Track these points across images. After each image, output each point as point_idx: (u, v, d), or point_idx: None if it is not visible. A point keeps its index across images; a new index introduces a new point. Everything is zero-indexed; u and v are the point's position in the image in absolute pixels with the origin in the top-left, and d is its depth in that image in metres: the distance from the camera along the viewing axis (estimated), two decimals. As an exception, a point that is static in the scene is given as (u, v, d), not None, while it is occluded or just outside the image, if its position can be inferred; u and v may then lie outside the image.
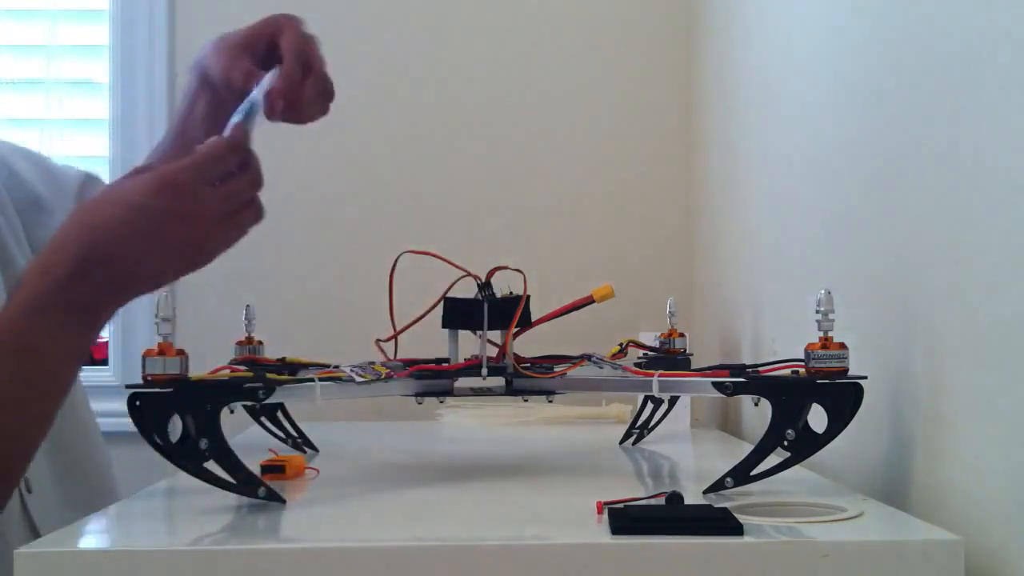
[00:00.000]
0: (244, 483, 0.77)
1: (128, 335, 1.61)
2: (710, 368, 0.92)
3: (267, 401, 0.81)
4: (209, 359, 0.92)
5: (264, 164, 1.57)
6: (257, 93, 0.90)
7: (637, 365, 1.07)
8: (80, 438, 1.02)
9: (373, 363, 0.95)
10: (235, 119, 0.87)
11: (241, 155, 0.84)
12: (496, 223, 1.60)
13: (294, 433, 1.11)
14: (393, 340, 0.99)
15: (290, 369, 1.07)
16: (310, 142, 1.59)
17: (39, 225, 1.06)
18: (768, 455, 0.79)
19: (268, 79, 0.91)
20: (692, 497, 0.76)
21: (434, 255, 0.95)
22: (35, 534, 0.91)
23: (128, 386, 0.76)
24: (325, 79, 0.95)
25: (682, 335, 1.12)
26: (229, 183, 0.83)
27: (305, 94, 0.93)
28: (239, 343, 1.11)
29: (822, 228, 1.01)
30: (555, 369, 0.97)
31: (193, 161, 0.82)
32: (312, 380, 0.84)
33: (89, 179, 1.13)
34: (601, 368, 0.99)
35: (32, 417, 0.82)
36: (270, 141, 1.69)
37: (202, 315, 1.45)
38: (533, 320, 0.97)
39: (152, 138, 1.59)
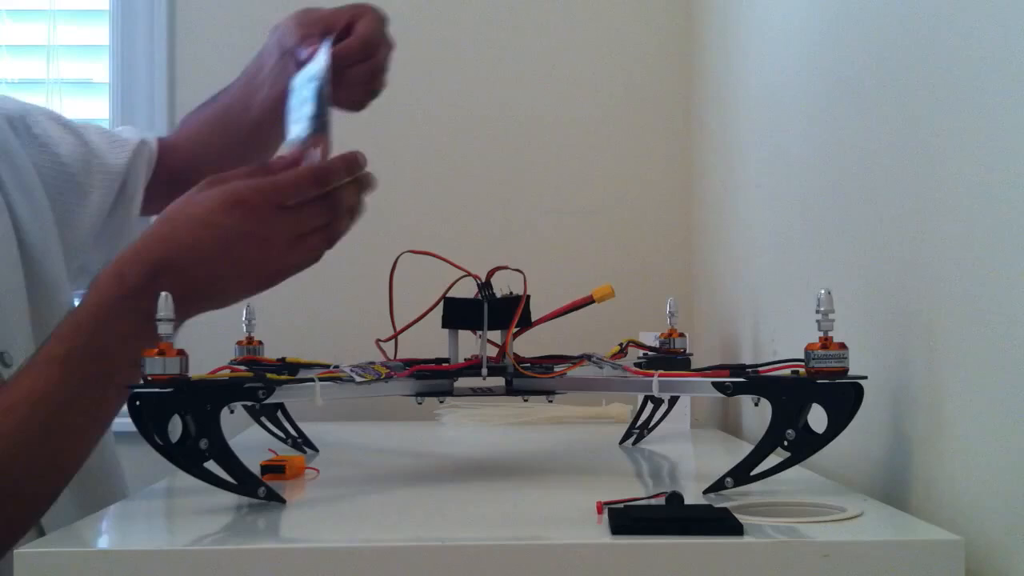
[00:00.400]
0: (244, 483, 0.77)
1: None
2: (710, 368, 0.92)
3: (267, 401, 0.81)
4: (209, 359, 0.92)
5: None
6: (318, 67, 0.90)
7: (637, 365, 1.07)
8: None
9: (373, 363, 0.95)
10: (304, 99, 0.88)
11: (320, 188, 0.84)
12: (496, 223, 1.60)
13: (294, 433, 1.11)
14: (393, 340, 0.99)
15: (290, 369, 1.07)
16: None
17: (76, 207, 1.08)
18: (768, 455, 0.79)
19: (324, 51, 0.91)
20: (692, 497, 0.76)
21: (434, 255, 0.95)
22: (42, 534, 0.91)
23: (128, 386, 0.76)
24: (378, 73, 0.97)
25: (682, 335, 1.12)
26: (303, 209, 0.83)
27: (352, 74, 0.94)
28: (239, 343, 1.11)
29: (822, 228, 1.01)
30: (555, 369, 0.97)
31: (270, 184, 0.83)
32: (312, 380, 0.84)
33: (141, 145, 1.14)
34: (601, 368, 0.99)
35: (95, 420, 0.84)
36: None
37: (202, 315, 1.45)
38: (533, 320, 0.97)
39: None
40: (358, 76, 0.96)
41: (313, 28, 0.98)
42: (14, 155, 1.04)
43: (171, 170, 1.17)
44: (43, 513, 0.84)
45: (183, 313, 0.83)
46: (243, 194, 0.82)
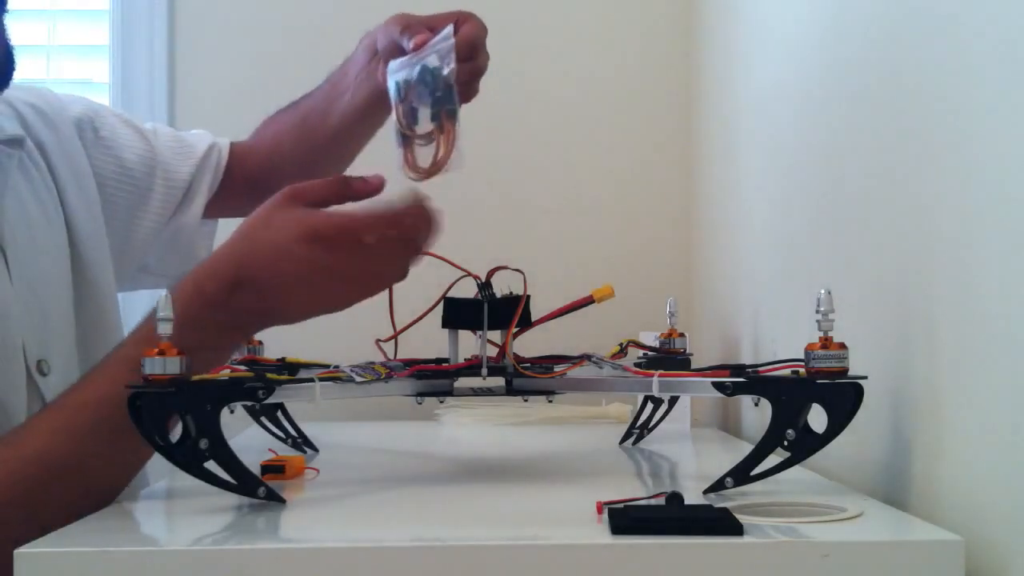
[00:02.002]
0: (244, 483, 0.77)
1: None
2: (710, 368, 0.92)
3: (267, 401, 0.81)
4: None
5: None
6: (439, 52, 0.90)
7: (637, 365, 1.07)
8: None
9: (373, 363, 0.95)
10: (426, 86, 0.90)
11: (396, 229, 0.85)
12: (496, 223, 1.60)
13: (294, 433, 1.11)
14: (393, 340, 0.99)
15: (290, 369, 1.07)
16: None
17: (137, 211, 1.11)
18: (768, 455, 0.79)
19: (446, 36, 0.91)
20: (692, 497, 0.76)
21: (434, 255, 0.95)
22: None
23: (128, 386, 0.76)
24: (476, 77, 0.98)
25: (682, 335, 1.12)
26: (381, 247, 0.84)
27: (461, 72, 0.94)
28: (239, 343, 1.11)
29: (822, 228, 1.01)
30: (555, 369, 0.97)
31: (349, 222, 0.84)
32: (312, 380, 0.84)
33: (210, 151, 1.17)
34: (601, 368, 0.99)
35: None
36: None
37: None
38: (533, 320, 0.97)
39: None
40: (462, 72, 0.95)
41: (417, 25, 0.98)
42: (77, 160, 1.06)
43: (248, 174, 1.19)
44: (115, 498, 0.85)
45: (252, 328, 0.89)
46: (323, 231, 0.83)
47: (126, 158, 1.11)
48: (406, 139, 0.94)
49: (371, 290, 0.87)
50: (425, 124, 0.92)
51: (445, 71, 0.91)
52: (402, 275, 0.87)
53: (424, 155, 0.93)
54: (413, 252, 0.86)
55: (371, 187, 0.89)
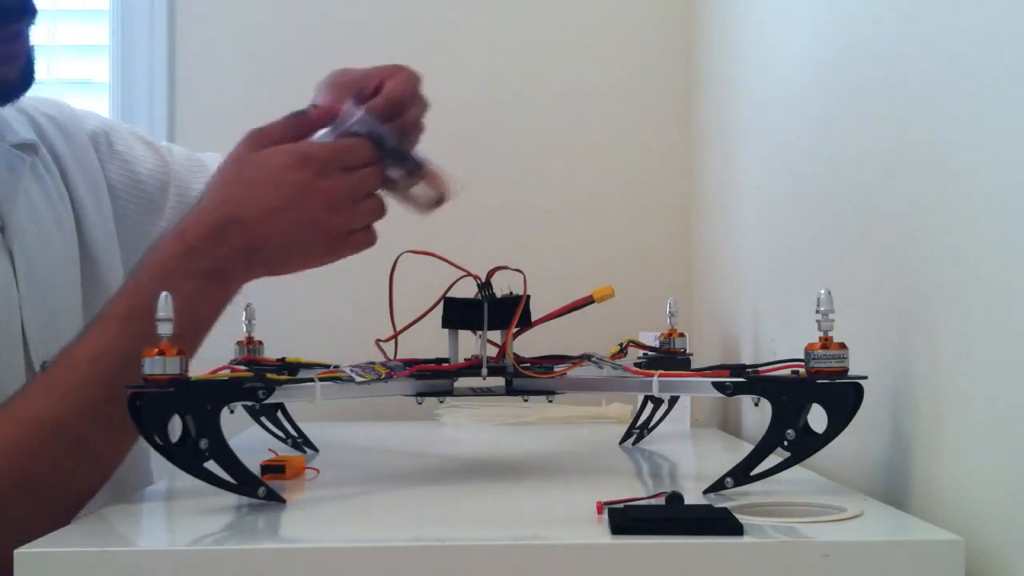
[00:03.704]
0: (244, 483, 0.77)
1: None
2: (710, 368, 0.92)
3: (267, 401, 0.81)
4: (209, 359, 0.92)
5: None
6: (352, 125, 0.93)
7: (637, 365, 1.07)
8: None
9: (373, 363, 0.95)
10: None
11: (370, 154, 0.90)
12: (496, 223, 1.60)
13: (294, 433, 1.11)
14: (393, 340, 0.99)
15: (290, 369, 1.07)
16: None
17: (149, 225, 1.12)
18: (768, 455, 0.79)
19: (352, 109, 0.94)
20: (692, 497, 0.76)
21: (434, 255, 0.95)
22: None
23: (128, 386, 0.76)
24: (408, 132, 0.98)
25: (682, 335, 1.12)
26: (358, 171, 0.88)
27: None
28: (239, 343, 1.11)
29: (822, 228, 1.01)
30: (555, 369, 0.97)
31: (336, 146, 0.88)
32: (312, 380, 0.84)
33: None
34: (601, 368, 0.99)
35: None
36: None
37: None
38: (533, 320, 0.97)
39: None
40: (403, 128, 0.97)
41: (343, 90, 0.99)
42: (91, 170, 1.07)
43: None
44: (112, 471, 0.85)
45: (247, 271, 0.87)
46: (313, 151, 0.87)
47: (140, 172, 1.12)
48: (392, 189, 0.96)
49: (355, 217, 0.89)
50: (395, 173, 0.95)
51: (382, 140, 0.93)
52: (381, 208, 0.90)
53: (419, 190, 0.97)
54: (388, 183, 0.90)
55: (324, 113, 0.91)
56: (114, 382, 0.76)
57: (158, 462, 0.83)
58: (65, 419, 0.81)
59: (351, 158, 0.88)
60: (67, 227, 1.02)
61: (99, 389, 0.82)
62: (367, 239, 0.93)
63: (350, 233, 0.91)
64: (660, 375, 0.87)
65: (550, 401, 0.98)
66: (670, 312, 1.12)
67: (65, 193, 1.03)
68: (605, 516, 0.70)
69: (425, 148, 1.60)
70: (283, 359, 1.09)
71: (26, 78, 0.90)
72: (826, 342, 0.78)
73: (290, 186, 0.85)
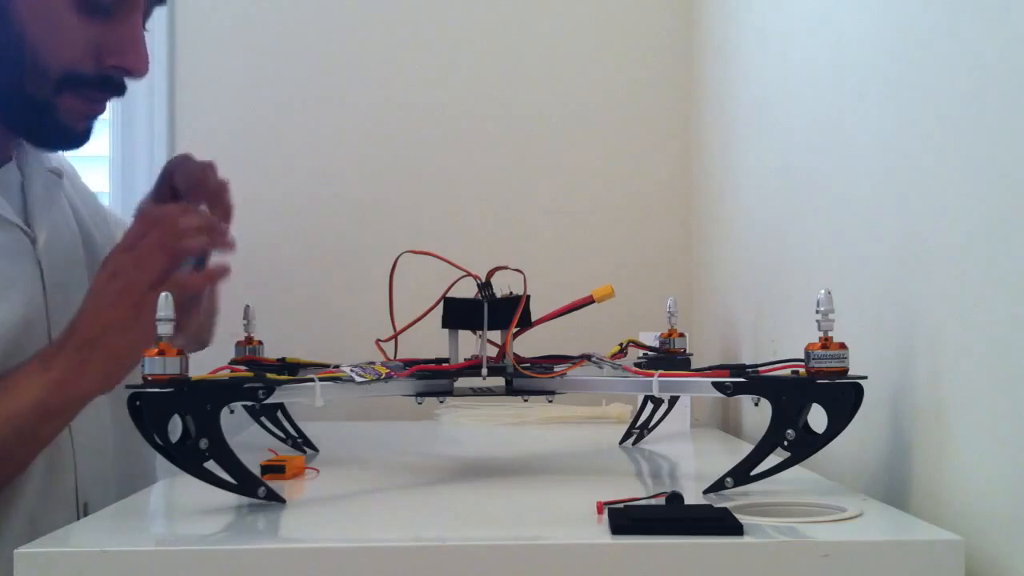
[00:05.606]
0: (244, 483, 0.77)
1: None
2: (710, 368, 0.92)
3: (267, 401, 0.81)
4: (209, 359, 0.92)
5: (264, 164, 1.57)
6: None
7: (637, 365, 1.07)
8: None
9: (373, 363, 0.95)
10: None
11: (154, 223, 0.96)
12: (496, 223, 1.60)
13: (294, 433, 1.11)
14: (393, 340, 0.99)
15: (290, 369, 1.07)
16: (311, 141, 1.59)
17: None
18: (768, 455, 0.79)
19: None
20: (692, 497, 0.76)
21: (434, 255, 0.95)
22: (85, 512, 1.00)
23: (128, 386, 0.76)
24: (219, 196, 1.04)
25: (682, 335, 1.12)
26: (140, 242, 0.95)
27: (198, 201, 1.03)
28: (239, 343, 1.11)
29: (822, 228, 1.01)
30: (555, 369, 0.97)
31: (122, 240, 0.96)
32: (312, 380, 0.84)
33: None
34: (601, 368, 0.99)
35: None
36: (268, 143, 1.69)
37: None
38: (533, 320, 0.97)
39: (152, 139, 1.59)
40: (206, 202, 1.03)
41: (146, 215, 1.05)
42: (90, 203, 1.16)
43: None
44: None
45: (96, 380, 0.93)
46: (109, 255, 0.96)
47: (101, 206, 1.21)
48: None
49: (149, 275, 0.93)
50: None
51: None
52: (170, 262, 0.94)
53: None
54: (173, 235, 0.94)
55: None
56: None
57: (162, 461, 0.83)
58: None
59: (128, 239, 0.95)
60: (79, 244, 1.08)
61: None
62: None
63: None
64: (660, 375, 0.87)
65: (550, 401, 0.98)
66: (670, 312, 1.12)
67: (71, 215, 1.09)
68: (605, 516, 0.70)
69: (425, 147, 1.61)
70: (283, 359, 1.09)
71: (88, 134, 1.01)
72: (826, 342, 0.78)
73: (96, 291, 0.94)
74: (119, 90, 0.99)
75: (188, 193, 1.03)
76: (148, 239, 0.94)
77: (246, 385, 0.80)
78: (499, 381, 0.97)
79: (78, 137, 1.00)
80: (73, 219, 1.09)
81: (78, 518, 0.97)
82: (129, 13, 0.96)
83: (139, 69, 0.98)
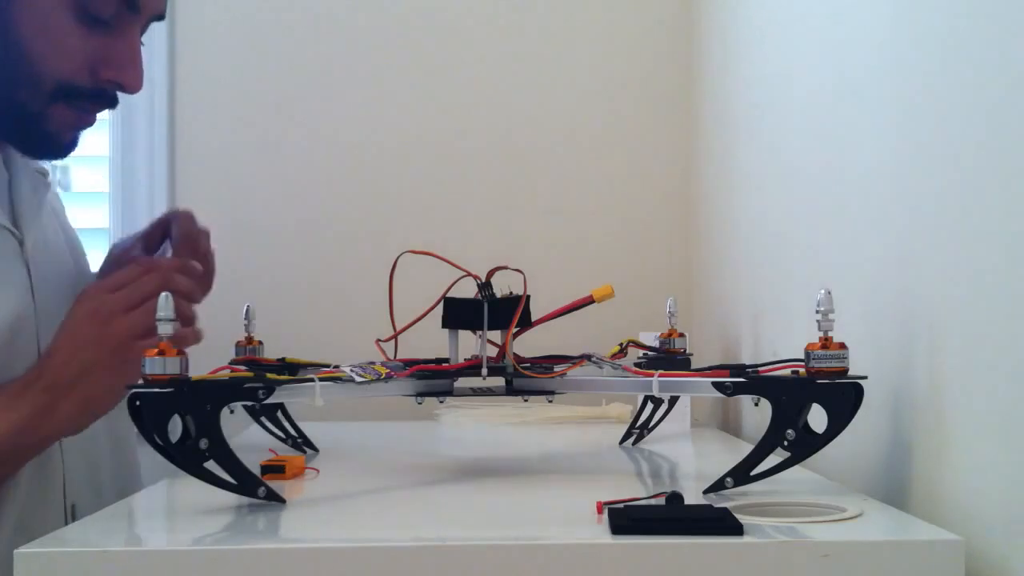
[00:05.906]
0: (244, 483, 0.77)
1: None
2: (710, 368, 0.92)
3: (267, 401, 0.81)
4: (209, 359, 0.92)
5: (264, 165, 1.57)
6: None
7: (637, 365, 1.07)
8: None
9: (373, 363, 0.95)
10: None
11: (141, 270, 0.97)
12: (496, 223, 1.60)
13: (294, 433, 1.11)
14: (393, 340, 0.99)
15: (290, 369, 1.07)
16: (311, 141, 1.59)
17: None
18: (768, 455, 0.79)
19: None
20: (692, 497, 0.76)
21: (434, 255, 0.95)
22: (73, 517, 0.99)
23: (128, 386, 0.76)
24: (207, 262, 1.06)
25: (682, 335, 1.12)
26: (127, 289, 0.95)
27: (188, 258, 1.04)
28: (239, 343, 1.11)
29: (822, 228, 1.01)
30: (555, 369, 0.97)
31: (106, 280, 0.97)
32: (312, 380, 0.84)
33: None
34: (601, 368, 0.99)
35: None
36: (269, 143, 1.69)
37: (202, 315, 1.45)
38: (533, 320, 0.97)
39: (152, 139, 1.59)
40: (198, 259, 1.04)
41: (127, 257, 1.06)
42: (62, 215, 1.14)
43: None
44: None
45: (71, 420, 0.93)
46: (87, 292, 0.95)
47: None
48: None
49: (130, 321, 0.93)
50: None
51: None
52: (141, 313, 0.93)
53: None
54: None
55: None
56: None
57: (156, 463, 0.83)
58: None
59: (114, 285, 0.95)
60: (65, 248, 1.08)
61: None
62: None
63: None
64: (660, 375, 0.87)
65: (550, 401, 0.98)
66: (670, 312, 1.12)
67: (55, 217, 1.09)
68: (605, 516, 0.70)
69: (425, 148, 1.61)
70: (283, 359, 1.09)
71: (74, 144, 1.00)
72: (826, 342, 0.78)
73: (68, 321, 0.93)
74: (111, 103, 0.99)
75: (179, 247, 1.04)
76: (143, 285, 0.94)
77: (246, 385, 0.80)
78: (499, 381, 0.97)
79: (64, 147, 0.99)
80: (57, 221, 1.08)
81: (66, 521, 0.97)
82: (129, 28, 0.96)
83: (134, 85, 0.97)
